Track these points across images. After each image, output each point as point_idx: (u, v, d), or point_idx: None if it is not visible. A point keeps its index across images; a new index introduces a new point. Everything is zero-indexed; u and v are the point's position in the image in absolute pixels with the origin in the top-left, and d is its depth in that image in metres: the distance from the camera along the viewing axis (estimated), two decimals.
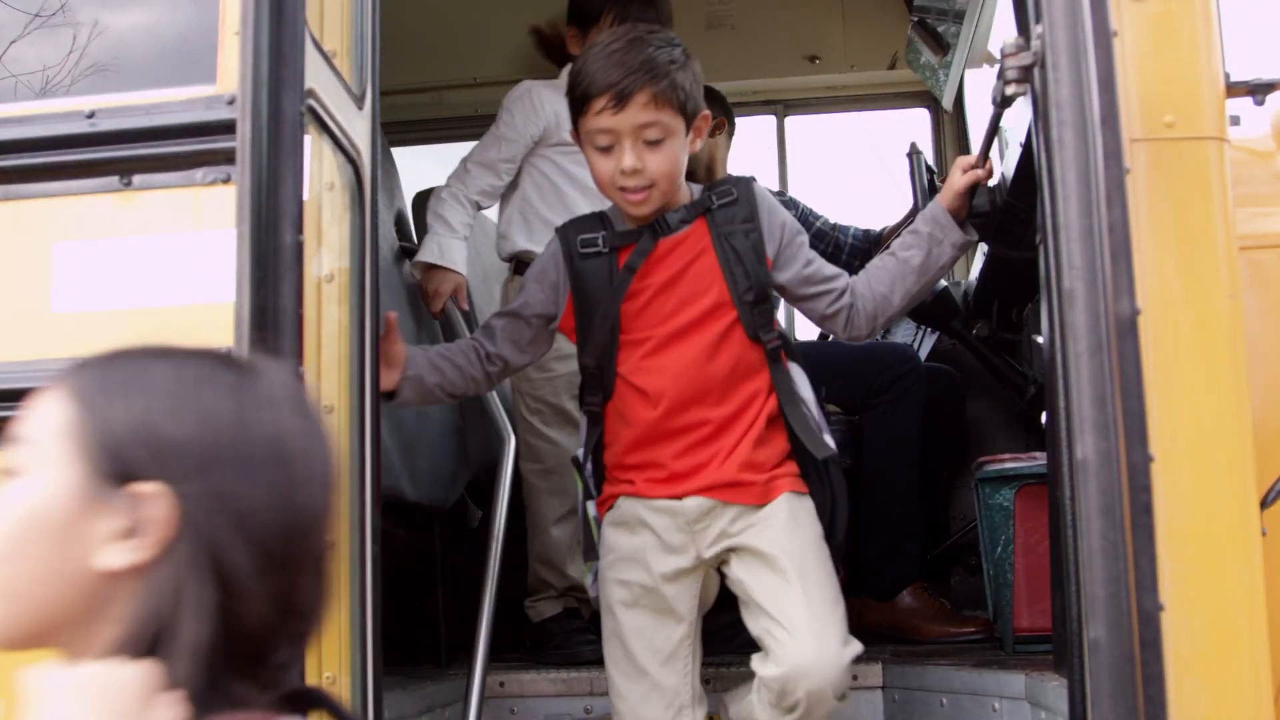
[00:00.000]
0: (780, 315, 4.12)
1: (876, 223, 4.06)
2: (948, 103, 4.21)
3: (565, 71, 2.86)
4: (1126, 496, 1.64)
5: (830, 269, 2.45)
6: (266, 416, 1.11)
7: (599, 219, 2.43)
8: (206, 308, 1.86)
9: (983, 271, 3.48)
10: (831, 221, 4.18)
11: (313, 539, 1.13)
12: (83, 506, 1.07)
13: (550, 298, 2.41)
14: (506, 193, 3.37)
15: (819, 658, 2.17)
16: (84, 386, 1.11)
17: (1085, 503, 1.65)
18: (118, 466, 1.07)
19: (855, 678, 2.77)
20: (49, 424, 1.10)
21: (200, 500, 1.07)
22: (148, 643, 1.05)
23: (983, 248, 3.47)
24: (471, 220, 3.28)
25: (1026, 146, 2.56)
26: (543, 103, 3.28)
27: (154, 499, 1.06)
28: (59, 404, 1.10)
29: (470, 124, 4.90)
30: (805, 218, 4.18)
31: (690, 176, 3.94)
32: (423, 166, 4.84)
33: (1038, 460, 2.85)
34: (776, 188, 4.45)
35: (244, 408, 1.10)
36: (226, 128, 1.79)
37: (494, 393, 3.01)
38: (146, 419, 1.08)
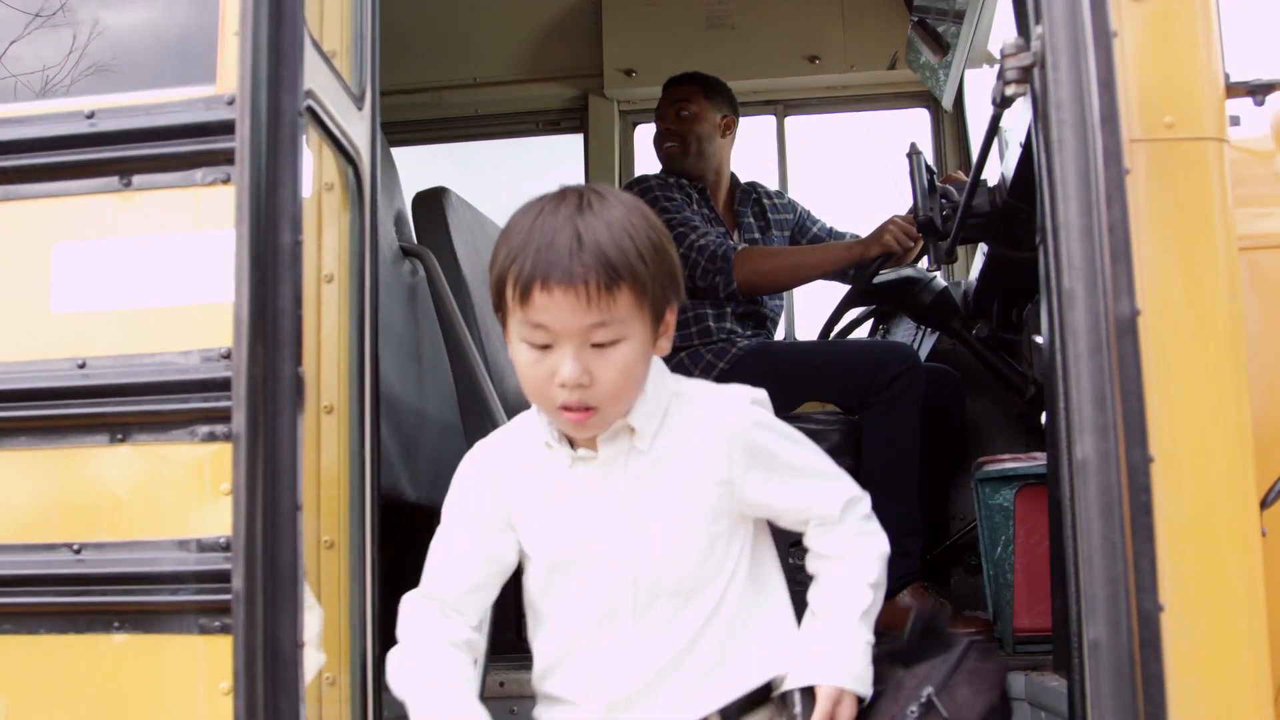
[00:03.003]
0: (781, 321, 4.13)
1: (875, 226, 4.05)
2: (948, 103, 4.21)
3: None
4: (1126, 497, 1.64)
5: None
6: None
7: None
8: (206, 308, 1.86)
9: (983, 271, 3.48)
10: (828, 226, 4.18)
11: None
12: None
13: None
14: None
15: None
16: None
17: (1085, 503, 1.65)
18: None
19: None
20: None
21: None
22: None
23: (983, 248, 3.47)
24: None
25: (1026, 146, 2.56)
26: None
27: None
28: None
29: (470, 124, 4.92)
30: (803, 221, 4.18)
31: (698, 179, 3.99)
32: (435, 164, 4.83)
33: (1038, 460, 2.84)
34: (776, 188, 4.45)
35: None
36: (226, 128, 1.79)
37: (494, 392, 3.01)
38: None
